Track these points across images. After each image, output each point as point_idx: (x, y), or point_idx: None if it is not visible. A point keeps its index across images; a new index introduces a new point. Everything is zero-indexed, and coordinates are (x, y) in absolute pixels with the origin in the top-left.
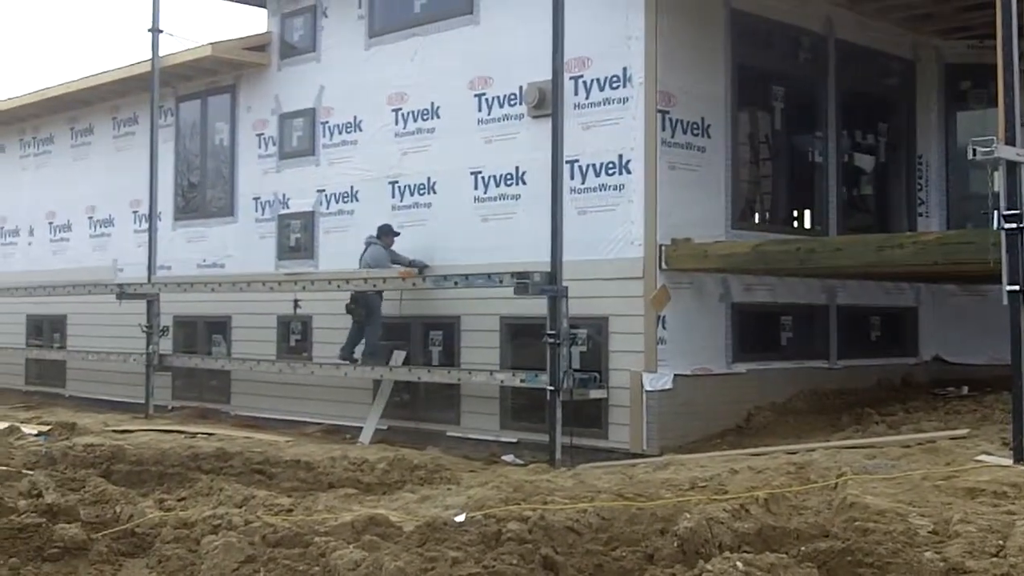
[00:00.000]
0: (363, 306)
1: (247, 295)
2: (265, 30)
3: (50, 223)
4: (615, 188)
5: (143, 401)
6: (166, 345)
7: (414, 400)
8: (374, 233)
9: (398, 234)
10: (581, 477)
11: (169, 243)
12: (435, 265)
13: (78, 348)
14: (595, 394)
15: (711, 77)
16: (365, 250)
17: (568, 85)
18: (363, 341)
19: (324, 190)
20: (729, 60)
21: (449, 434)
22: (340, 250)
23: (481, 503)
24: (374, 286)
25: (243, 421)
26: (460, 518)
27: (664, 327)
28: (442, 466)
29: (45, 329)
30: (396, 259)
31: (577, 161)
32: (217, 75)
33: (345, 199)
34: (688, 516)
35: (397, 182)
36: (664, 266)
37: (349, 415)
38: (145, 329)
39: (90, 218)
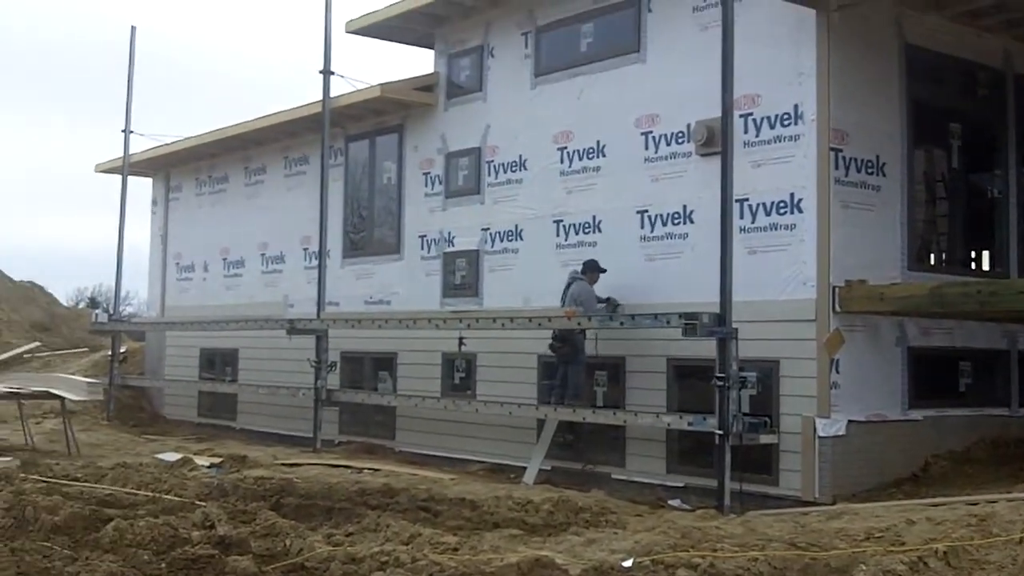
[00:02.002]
0: (568, 344)
1: (413, 332)
2: (432, 70)
3: (224, 259)
4: (786, 227)
5: (311, 435)
6: (333, 380)
7: (578, 441)
8: (579, 269)
9: (604, 270)
10: (751, 524)
11: (337, 280)
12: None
13: (249, 382)
14: (765, 439)
15: (885, 114)
16: (569, 286)
17: (738, 123)
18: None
19: (489, 228)
20: (904, 96)
21: (614, 476)
22: (505, 288)
23: (648, 548)
24: (538, 325)
25: (408, 457)
26: (627, 563)
27: (838, 371)
28: (607, 509)
29: (217, 363)
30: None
31: (747, 200)
32: (385, 115)
33: (510, 237)
34: (864, 568)
35: (562, 220)
36: (838, 308)
37: (512, 454)
38: (314, 364)
39: (262, 255)
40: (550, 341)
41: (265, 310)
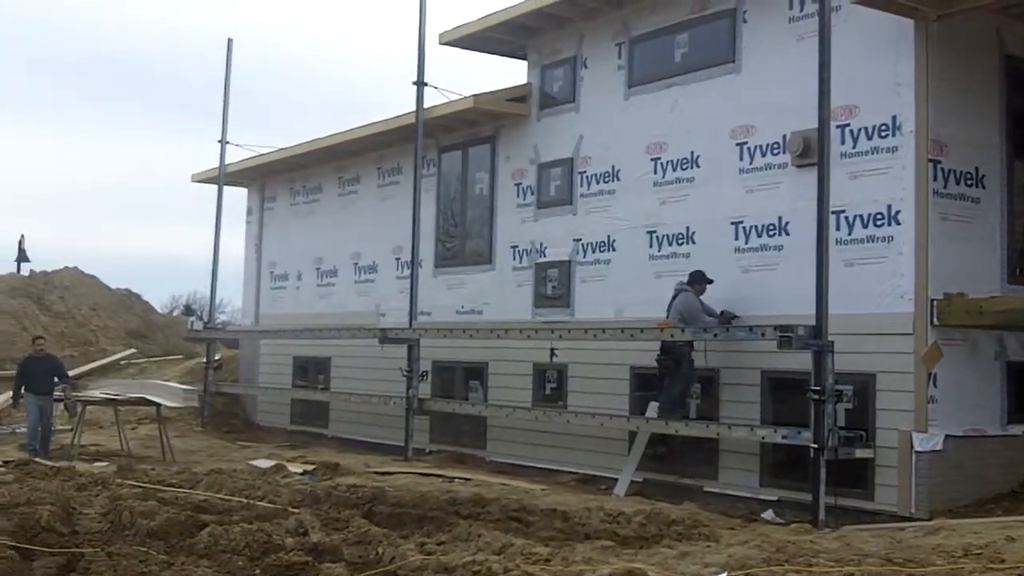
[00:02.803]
0: (671, 357)
1: (504, 342)
2: (524, 81)
3: (317, 268)
4: (883, 240)
5: (402, 443)
6: (424, 389)
7: (670, 453)
8: (684, 280)
9: (711, 281)
10: (846, 539)
11: (430, 289)
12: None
13: (341, 390)
14: (861, 453)
15: (985, 125)
16: (674, 297)
17: (834, 134)
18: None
19: (580, 239)
20: (1004, 107)
21: (706, 489)
22: (596, 299)
23: (742, 562)
24: (630, 336)
25: (498, 467)
26: None
27: (935, 385)
28: (700, 522)
29: (310, 371)
30: (705, 308)
31: (843, 212)
32: (478, 126)
33: (601, 248)
34: None
35: (655, 231)
36: (936, 322)
37: (604, 465)
38: (406, 373)
39: (355, 264)
40: (657, 355)
41: (357, 319)
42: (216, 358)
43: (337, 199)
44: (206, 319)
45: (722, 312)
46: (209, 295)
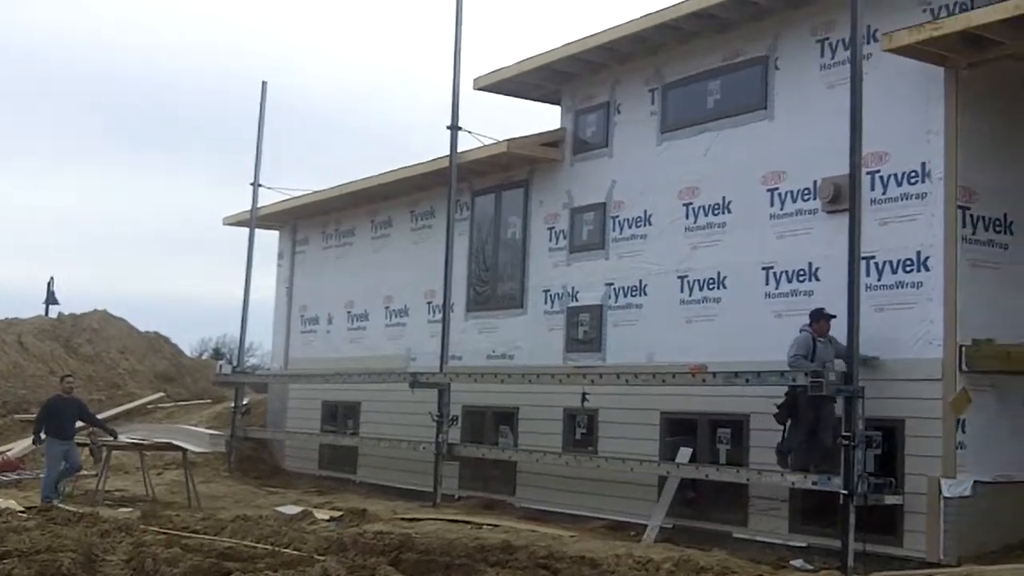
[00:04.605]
0: (787, 403)
1: (535, 387)
2: (558, 126)
3: (348, 312)
4: (913, 285)
5: (431, 489)
6: (455, 434)
7: (699, 498)
8: (806, 322)
9: (834, 316)
10: None
11: (461, 333)
12: (723, 362)
13: (370, 435)
14: (890, 500)
15: (1014, 172)
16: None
17: (864, 180)
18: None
19: (612, 283)
20: None
21: (735, 535)
22: (628, 344)
23: None
24: (662, 381)
25: (528, 513)
26: None
27: (964, 431)
28: (729, 569)
29: (340, 415)
30: (833, 346)
31: (873, 257)
32: (511, 170)
33: (633, 293)
34: None
35: (686, 276)
36: (964, 367)
37: (634, 511)
38: (436, 418)
39: (386, 308)
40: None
41: (388, 363)
42: (244, 402)
43: (369, 242)
44: (235, 363)
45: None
46: (239, 338)
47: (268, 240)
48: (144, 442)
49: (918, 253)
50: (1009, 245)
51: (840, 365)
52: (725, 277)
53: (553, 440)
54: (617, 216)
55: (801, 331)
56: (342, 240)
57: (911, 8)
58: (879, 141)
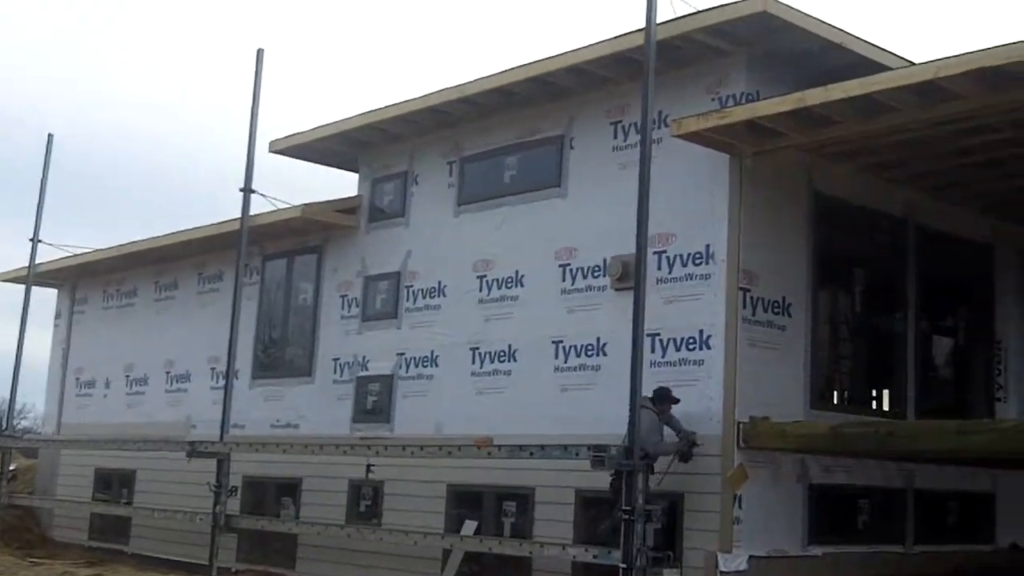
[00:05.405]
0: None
1: (319, 457)
2: (355, 193)
3: (127, 376)
4: (695, 363)
5: (207, 562)
6: (234, 505)
7: (484, 572)
8: (649, 396)
9: (677, 401)
10: None
11: (245, 401)
12: (511, 435)
13: (145, 504)
14: (668, 573)
15: (793, 257)
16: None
17: (651, 259)
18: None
19: (404, 353)
20: (811, 241)
21: None
22: (417, 415)
23: None
24: (448, 453)
25: None
26: None
27: (740, 506)
28: None
29: (114, 483)
30: (672, 426)
31: (658, 335)
32: (305, 235)
33: (425, 363)
34: None
35: (478, 348)
36: (742, 444)
37: None
38: (214, 488)
39: (167, 373)
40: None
41: (168, 430)
42: (12, 468)
43: (153, 304)
44: (3, 426)
45: (680, 433)
46: (8, 400)
47: (47, 297)
48: None
49: (701, 332)
50: (787, 327)
51: (672, 436)
52: (516, 350)
53: (337, 512)
54: (411, 286)
55: (643, 407)
56: (124, 301)
57: (701, 96)
58: (667, 222)
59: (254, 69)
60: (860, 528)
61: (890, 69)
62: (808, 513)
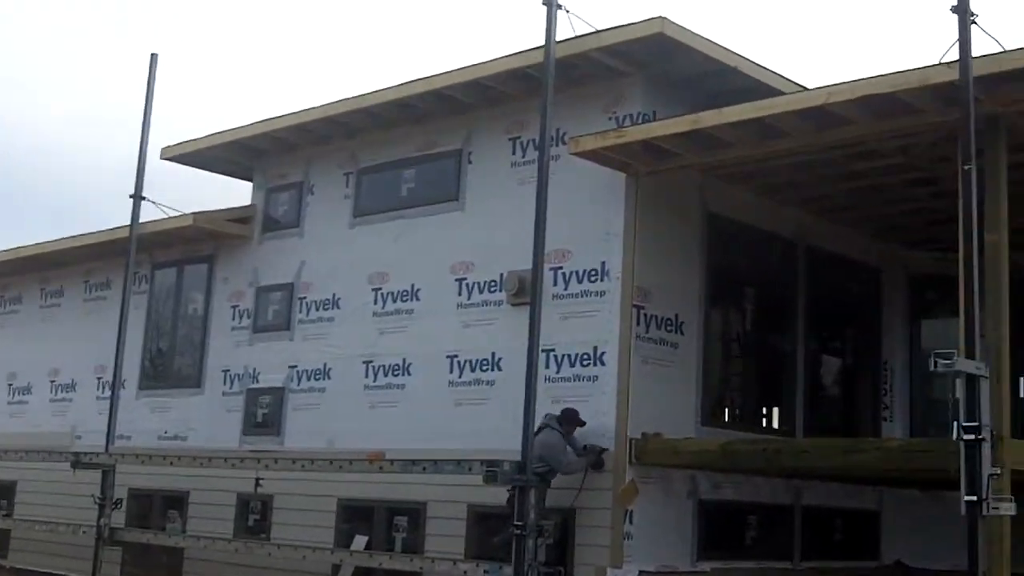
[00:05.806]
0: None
1: (207, 470)
2: (249, 203)
3: (9, 384)
4: (589, 379)
5: None
6: (119, 518)
7: None
8: (554, 413)
9: (583, 423)
10: None
11: (132, 412)
12: (404, 449)
13: (26, 517)
14: None
15: (686, 275)
16: (538, 432)
17: (548, 275)
18: None
19: (296, 366)
20: (704, 260)
21: None
22: (309, 428)
23: None
24: (339, 468)
25: None
26: None
27: (631, 522)
28: None
29: None
30: (573, 447)
31: (553, 351)
32: (196, 244)
33: (317, 376)
34: None
35: (372, 362)
36: (633, 460)
37: None
38: (98, 501)
39: (52, 382)
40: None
41: (51, 440)
42: None
43: (38, 311)
44: None
45: (584, 447)
46: None
47: None
48: None
49: (595, 348)
50: (679, 344)
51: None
52: (411, 364)
53: (225, 526)
54: (305, 297)
55: (546, 426)
56: (8, 308)
57: (599, 115)
58: (564, 239)
59: (147, 74)
60: (748, 544)
61: (783, 93)
62: (698, 529)
